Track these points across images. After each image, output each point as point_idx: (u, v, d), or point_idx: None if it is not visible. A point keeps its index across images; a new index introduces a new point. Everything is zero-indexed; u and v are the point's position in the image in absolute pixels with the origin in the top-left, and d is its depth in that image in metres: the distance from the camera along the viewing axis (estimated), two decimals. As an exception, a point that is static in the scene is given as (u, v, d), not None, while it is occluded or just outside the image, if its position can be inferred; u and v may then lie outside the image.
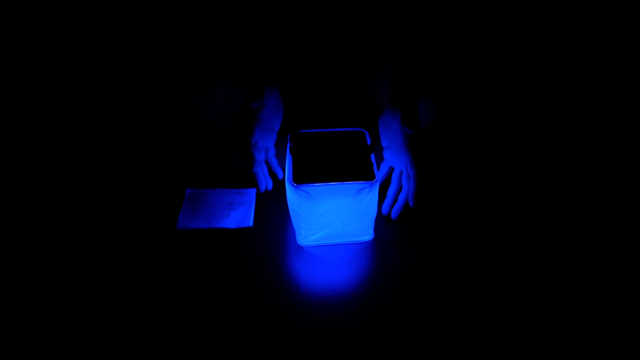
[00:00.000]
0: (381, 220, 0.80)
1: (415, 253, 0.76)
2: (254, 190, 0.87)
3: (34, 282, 0.71)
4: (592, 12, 0.87)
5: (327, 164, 0.71)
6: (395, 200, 0.81)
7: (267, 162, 0.87)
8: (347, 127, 0.79)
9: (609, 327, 0.66)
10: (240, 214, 0.83)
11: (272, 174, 0.88)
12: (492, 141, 0.96)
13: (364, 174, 0.70)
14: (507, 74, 0.94)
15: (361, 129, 0.79)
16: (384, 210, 0.82)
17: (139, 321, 0.66)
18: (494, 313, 0.68)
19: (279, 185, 0.87)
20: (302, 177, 0.69)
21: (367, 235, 0.78)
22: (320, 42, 0.93)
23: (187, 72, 0.92)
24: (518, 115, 0.97)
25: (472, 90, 0.94)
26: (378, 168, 0.78)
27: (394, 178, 0.82)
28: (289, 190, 0.70)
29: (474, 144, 0.96)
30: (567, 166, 0.91)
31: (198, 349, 0.63)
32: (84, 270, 0.73)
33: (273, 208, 0.84)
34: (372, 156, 0.74)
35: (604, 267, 0.74)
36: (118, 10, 0.86)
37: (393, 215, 0.80)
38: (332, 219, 0.73)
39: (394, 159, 0.81)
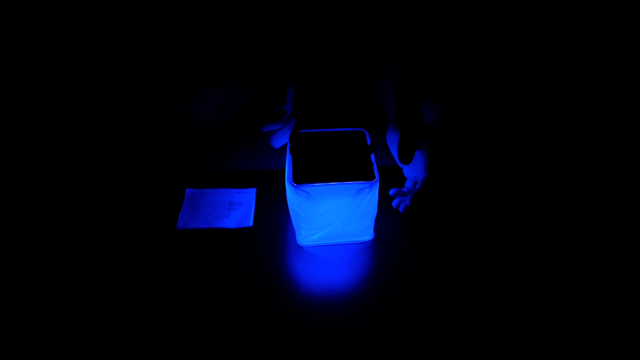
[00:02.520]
0: (381, 220, 0.80)
1: (415, 253, 0.76)
2: (254, 190, 0.87)
3: (34, 281, 0.71)
4: (593, 12, 0.87)
5: (327, 164, 0.71)
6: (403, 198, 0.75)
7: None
8: (347, 127, 0.79)
9: (609, 327, 0.66)
10: (240, 214, 0.83)
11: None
12: (496, 143, 0.96)
13: (364, 174, 0.70)
14: (512, 76, 0.94)
15: (361, 129, 0.79)
16: (393, 198, 0.77)
17: (139, 321, 0.66)
18: (495, 313, 0.68)
19: (279, 185, 0.87)
20: (302, 177, 0.69)
21: (367, 235, 0.78)
22: (320, 42, 0.93)
23: (182, 74, 0.92)
24: (522, 117, 0.97)
25: (477, 91, 0.94)
26: (378, 168, 0.78)
27: (408, 184, 0.79)
28: (289, 190, 0.70)
29: (478, 145, 0.96)
30: (572, 168, 0.91)
31: (198, 349, 0.63)
32: (84, 270, 0.73)
33: (273, 208, 0.84)
34: (372, 156, 0.74)
35: (605, 268, 0.74)
36: (115, 11, 0.86)
37: (401, 208, 0.72)
38: (332, 219, 0.73)
39: (411, 171, 0.78)
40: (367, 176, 0.70)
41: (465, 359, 0.63)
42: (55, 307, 0.68)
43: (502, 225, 0.81)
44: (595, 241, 0.78)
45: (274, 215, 0.83)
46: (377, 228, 0.78)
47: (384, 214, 0.80)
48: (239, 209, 0.84)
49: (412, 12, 0.86)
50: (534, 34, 0.91)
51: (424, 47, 0.85)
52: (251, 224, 0.81)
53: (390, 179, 0.83)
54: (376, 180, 0.69)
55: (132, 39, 0.89)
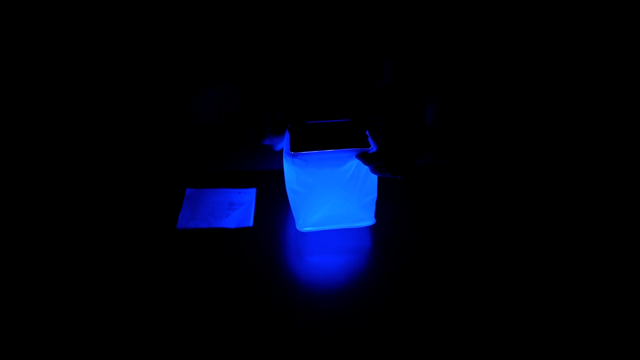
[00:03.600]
0: (382, 220, 0.80)
1: (416, 253, 0.76)
2: (254, 190, 0.87)
3: (34, 282, 0.71)
4: (592, 12, 0.87)
5: (323, 139, 0.72)
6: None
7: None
8: (344, 119, 0.79)
9: (609, 327, 0.66)
10: (240, 214, 0.83)
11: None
12: (494, 140, 0.96)
13: (359, 144, 0.70)
14: (508, 74, 0.94)
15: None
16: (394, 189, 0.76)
17: (139, 321, 0.66)
18: (496, 312, 0.67)
19: (279, 185, 0.87)
20: (299, 148, 0.70)
21: (369, 219, 0.78)
22: (318, 40, 0.93)
23: (181, 72, 0.92)
24: (519, 115, 0.97)
25: (473, 89, 0.94)
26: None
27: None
28: (287, 165, 0.70)
29: (476, 143, 0.96)
30: (568, 166, 0.91)
31: (198, 349, 0.63)
32: (84, 269, 0.73)
33: (273, 208, 0.84)
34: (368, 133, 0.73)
35: (604, 268, 0.74)
36: (115, 10, 0.86)
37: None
38: (331, 193, 0.73)
39: None
40: (362, 144, 0.69)
41: (467, 356, 0.63)
42: (55, 307, 0.68)
43: (503, 224, 0.81)
44: (594, 238, 0.78)
45: (274, 215, 0.83)
46: (377, 228, 0.78)
47: (385, 214, 0.80)
48: (239, 209, 0.84)
49: (408, 7, 0.86)
50: (531, 34, 0.91)
51: (421, 42, 0.85)
52: (251, 224, 0.81)
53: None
54: (372, 148, 0.69)
55: (133, 38, 0.89)
